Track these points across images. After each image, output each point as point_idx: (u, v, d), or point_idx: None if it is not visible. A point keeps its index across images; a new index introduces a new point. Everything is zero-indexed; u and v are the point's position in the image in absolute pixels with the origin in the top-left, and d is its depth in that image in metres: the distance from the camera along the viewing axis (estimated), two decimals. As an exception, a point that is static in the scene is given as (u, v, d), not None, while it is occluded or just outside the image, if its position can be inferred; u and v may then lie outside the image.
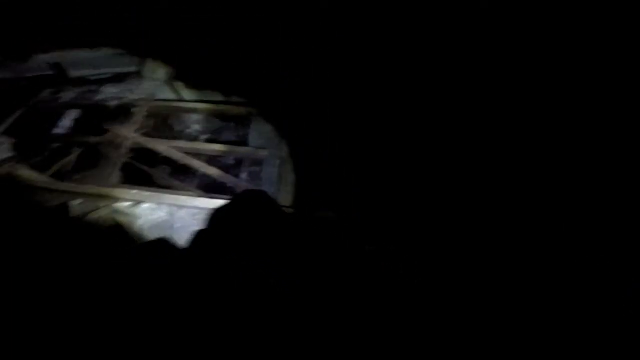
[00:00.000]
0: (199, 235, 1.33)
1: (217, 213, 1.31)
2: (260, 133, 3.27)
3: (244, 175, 3.06)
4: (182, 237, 2.28)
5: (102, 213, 2.25)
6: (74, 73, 3.59)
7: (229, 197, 2.55)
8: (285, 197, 2.76)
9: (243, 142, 3.32)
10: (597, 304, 1.83)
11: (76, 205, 2.30)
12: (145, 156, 3.03)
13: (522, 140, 2.44)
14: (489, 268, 2.03)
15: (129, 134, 2.86)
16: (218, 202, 2.38)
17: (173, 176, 2.98)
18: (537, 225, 2.20)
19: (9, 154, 2.74)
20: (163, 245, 1.67)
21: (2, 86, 3.36)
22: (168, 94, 3.60)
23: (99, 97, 3.27)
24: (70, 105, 3.22)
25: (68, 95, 3.30)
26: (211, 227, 1.35)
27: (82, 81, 3.51)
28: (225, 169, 3.19)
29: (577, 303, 1.87)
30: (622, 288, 1.82)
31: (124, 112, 3.13)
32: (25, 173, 2.46)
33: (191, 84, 3.58)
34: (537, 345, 1.69)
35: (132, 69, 3.58)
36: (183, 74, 3.56)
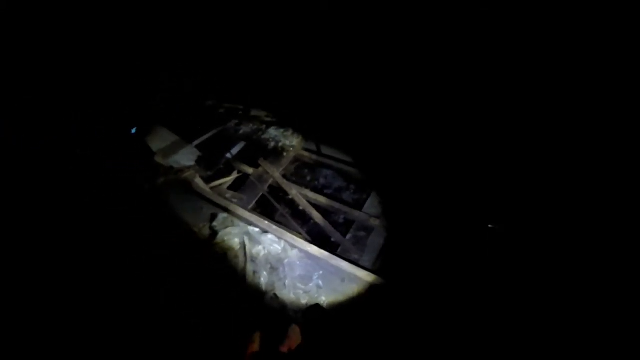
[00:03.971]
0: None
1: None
2: (377, 202, 3.52)
3: (349, 236, 3.31)
4: (286, 272, 2.65)
5: (236, 230, 2.81)
6: (254, 112, 4.68)
7: (333, 252, 2.83)
8: (378, 265, 2.90)
9: (358, 206, 3.62)
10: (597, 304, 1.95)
11: (222, 217, 2.93)
12: (277, 193, 3.63)
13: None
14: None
15: (274, 173, 3.50)
16: (325, 254, 2.69)
17: (292, 217, 3.45)
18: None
19: (193, 163, 3.70)
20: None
21: (208, 111, 4.62)
22: (313, 146, 4.28)
23: (264, 136, 4.13)
24: (243, 138, 4.16)
25: (245, 129, 4.28)
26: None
27: (257, 120, 4.52)
28: (335, 224, 3.52)
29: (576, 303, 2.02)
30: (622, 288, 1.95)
31: (276, 153, 3.87)
32: (198, 181, 3.28)
33: (330, 143, 4.20)
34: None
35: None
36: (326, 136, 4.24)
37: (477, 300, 2.29)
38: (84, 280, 2.49)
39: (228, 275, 2.63)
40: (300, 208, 3.48)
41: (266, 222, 2.81)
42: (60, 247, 2.70)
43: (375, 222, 3.20)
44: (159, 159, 3.45)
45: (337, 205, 3.45)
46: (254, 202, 3.31)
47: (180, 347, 2.16)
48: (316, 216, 3.32)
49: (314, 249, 2.65)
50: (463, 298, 2.33)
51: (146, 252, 2.68)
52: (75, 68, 4.63)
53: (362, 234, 3.29)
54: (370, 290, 2.50)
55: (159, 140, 3.63)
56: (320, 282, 2.63)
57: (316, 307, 2.41)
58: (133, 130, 3.66)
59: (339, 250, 3.08)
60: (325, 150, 4.20)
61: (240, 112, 4.61)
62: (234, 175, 3.64)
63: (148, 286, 2.47)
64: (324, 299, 2.55)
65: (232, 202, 3.10)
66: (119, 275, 2.52)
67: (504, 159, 3.13)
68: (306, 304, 2.51)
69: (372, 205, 3.44)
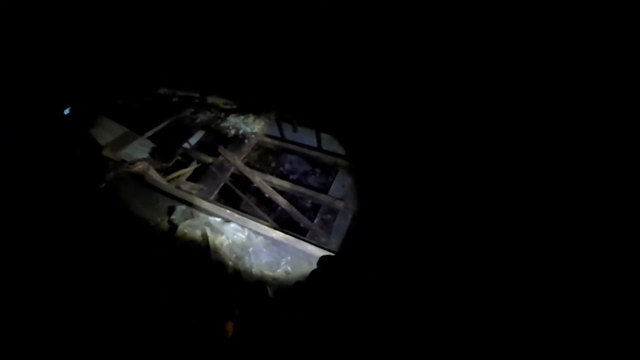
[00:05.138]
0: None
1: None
2: (342, 185, 3.50)
3: (317, 220, 3.28)
4: (252, 261, 2.57)
5: (197, 222, 2.67)
6: (210, 99, 4.45)
7: (300, 236, 2.79)
8: (345, 247, 2.91)
9: (324, 190, 3.59)
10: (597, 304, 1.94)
11: (180, 209, 2.78)
12: (241, 181, 3.51)
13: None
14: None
15: (236, 161, 3.37)
16: (291, 239, 2.63)
17: (258, 205, 3.36)
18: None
19: (146, 155, 3.47)
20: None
21: (160, 100, 4.34)
22: (275, 132, 4.16)
23: (223, 124, 3.95)
24: (201, 126, 3.96)
25: (202, 117, 4.07)
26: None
27: (214, 107, 4.31)
28: (302, 209, 3.48)
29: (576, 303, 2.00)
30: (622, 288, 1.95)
31: (237, 141, 3.72)
32: (153, 174, 3.08)
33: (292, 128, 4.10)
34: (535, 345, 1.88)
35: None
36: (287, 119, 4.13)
37: (441, 280, 2.33)
38: (84, 280, 2.40)
39: (192, 268, 2.53)
40: (266, 195, 3.39)
41: (228, 211, 2.70)
42: (60, 246, 2.59)
43: (340, 205, 3.19)
44: (107, 152, 3.20)
45: (302, 190, 3.40)
46: (215, 192, 3.17)
47: (181, 347, 2.10)
48: (282, 202, 3.25)
49: (279, 235, 2.59)
50: (428, 276, 2.37)
51: (146, 252, 2.58)
52: (76, 68, 4.42)
53: (329, 217, 3.28)
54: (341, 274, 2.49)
55: (106, 133, 3.36)
56: (289, 268, 2.58)
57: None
58: (66, 111, 3.37)
59: (307, 234, 3.04)
60: (288, 135, 4.11)
61: (196, 101, 4.37)
62: (193, 165, 3.46)
63: (148, 286, 2.41)
64: (295, 286, 2.51)
65: (191, 193, 2.95)
66: (118, 274, 2.45)
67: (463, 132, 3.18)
68: (274, 291, 2.46)
69: (337, 187, 3.42)
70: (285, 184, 3.43)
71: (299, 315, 2.28)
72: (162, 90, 4.47)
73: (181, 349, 2.11)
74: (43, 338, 2.12)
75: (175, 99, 4.42)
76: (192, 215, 2.71)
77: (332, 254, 2.47)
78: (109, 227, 2.73)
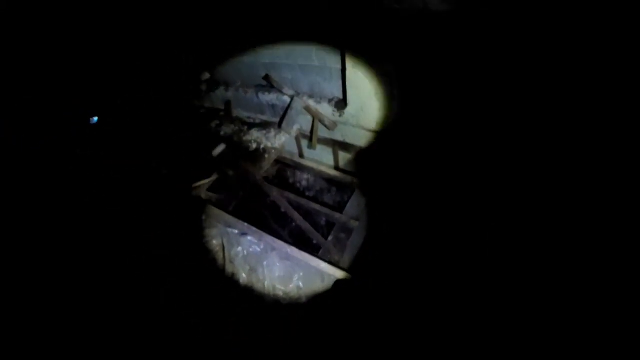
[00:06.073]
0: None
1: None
2: (358, 204, 3.54)
3: (330, 238, 3.32)
4: (266, 274, 2.63)
5: (214, 232, 2.76)
6: (235, 113, 4.62)
7: (314, 253, 2.83)
8: (358, 267, 2.94)
9: (339, 208, 3.63)
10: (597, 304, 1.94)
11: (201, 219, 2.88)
12: (258, 195, 3.60)
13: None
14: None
15: (255, 175, 3.48)
16: (305, 255, 2.68)
17: (273, 219, 3.43)
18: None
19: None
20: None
21: (189, 111, 4.54)
22: (294, 148, 4.27)
23: (245, 138, 4.09)
24: (224, 139, 4.10)
25: (226, 129, 4.22)
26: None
27: (239, 121, 4.47)
28: (316, 226, 3.53)
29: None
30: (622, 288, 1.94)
31: (258, 155, 3.84)
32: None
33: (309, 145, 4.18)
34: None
35: (276, 120, 4.41)
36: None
37: (457, 300, 2.32)
38: (84, 280, 2.47)
39: (207, 277, 2.60)
40: (282, 210, 3.46)
41: (245, 224, 2.78)
42: (60, 247, 2.68)
43: (355, 224, 3.23)
44: (135, 159, 3.36)
45: (318, 207, 3.46)
46: (233, 203, 3.26)
47: (180, 347, 2.14)
48: (297, 218, 3.31)
49: (294, 251, 2.64)
50: (428, 281, 2.38)
51: (146, 252, 2.66)
52: (76, 68, 4.54)
53: (343, 235, 3.31)
54: (350, 291, 2.51)
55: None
56: (301, 284, 2.62)
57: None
58: (95, 119, 3.55)
59: (320, 252, 3.08)
60: (307, 152, 4.20)
61: (222, 113, 4.55)
62: (214, 176, 3.58)
63: (148, 286, 2.47)
64: (305, 300, 2.54)
65: (210, 203, 3.06)
66: (119, 275, 2.52)
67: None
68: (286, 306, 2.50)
69: (352, 207, 3.46)
70: (302, 201, 3.51)
71: (299, 315, 2.32)
72: (194, 102, 4.68)
73: (181, 349, 2.13)
74: (43, 337, 2.18)
75: (202, 110, 4.62)
76: (210, 225, 2.81)
77: (348, 278, 2.51)
78: (109, 227, 2.83)
